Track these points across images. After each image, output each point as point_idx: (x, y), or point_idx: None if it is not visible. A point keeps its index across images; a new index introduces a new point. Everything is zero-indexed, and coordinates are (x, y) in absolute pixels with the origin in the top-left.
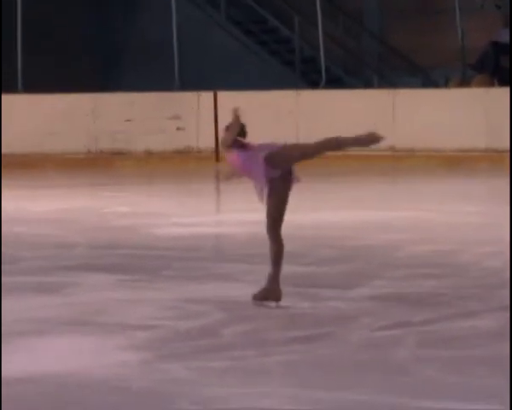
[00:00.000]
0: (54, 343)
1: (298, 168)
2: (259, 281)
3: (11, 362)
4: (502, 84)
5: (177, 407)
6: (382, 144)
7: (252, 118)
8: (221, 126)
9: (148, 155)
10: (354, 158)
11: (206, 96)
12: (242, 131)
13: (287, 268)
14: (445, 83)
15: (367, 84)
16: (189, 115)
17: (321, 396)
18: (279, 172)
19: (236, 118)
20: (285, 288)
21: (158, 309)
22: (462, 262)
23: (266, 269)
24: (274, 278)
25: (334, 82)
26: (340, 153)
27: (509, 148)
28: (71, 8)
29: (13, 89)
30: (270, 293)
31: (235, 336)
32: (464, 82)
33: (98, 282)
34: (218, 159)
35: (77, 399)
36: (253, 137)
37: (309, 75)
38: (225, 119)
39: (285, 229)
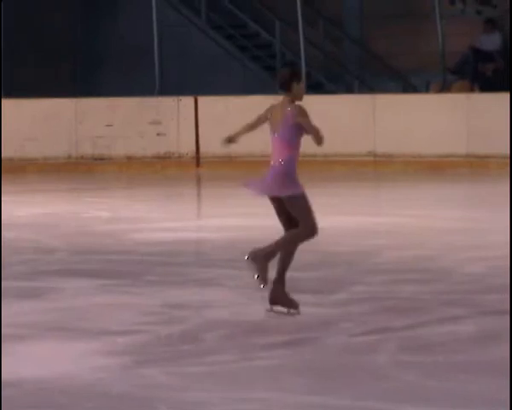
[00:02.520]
0: (35, 348)
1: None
2: (241, 286)
3: (12, 367)
4: (482, 89)
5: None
6: (363, 149)
7: (232, 123)
8: (201, 132)
9: (129, 160)
10: (335, 163)
11: (187, 102)
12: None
13: (269, 274)
14: (425, 88)
15: (348, 89)
16: (169, 121)
17: (302, 401)
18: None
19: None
20: (265, 292)
21: (139, 314)
22: (442, 267)
23: (245, 273)
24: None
25: (315, 87)
26: (321, 158)
27: (489, 153)
28: (52, 14)
29: None
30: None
31: (216, 341)
32: (445, 87)
33: (79, 287)
34: (198, 164)
35: (58, 403)
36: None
37: None
38: (205, 124)
39: (268, 235)
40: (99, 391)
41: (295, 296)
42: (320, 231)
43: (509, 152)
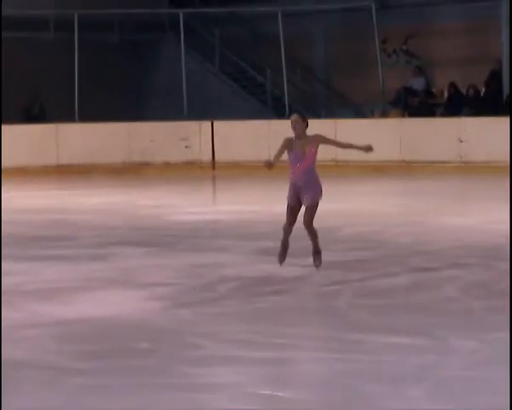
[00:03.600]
0: (101, 296)
1: None
2: (246, 252)
3: (71, 309)
4: (410, 115)
5: (186, 339)
6: (327, 157)
7: (237, 140)
8: (216, 145)
9: (166, 165)
10: None
11: (206, 124)
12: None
13: (264, 244)
14: (371, 114)
15: (317, 115)
16: (194, 137)
17: (285, 331)
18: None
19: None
20: (264, 257)
21: (173, 272)
22: (383, 239)
23: (251, 243)
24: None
25: None
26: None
27: (416, 160)
28: (113, 56)
29: (71, 119)
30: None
31: (227, 291)
32: (384, 114)
33: (132, 253)
34: (214, 168)
35: (116, 334)
36: (236, 154)
37: (277, 110)
38: (219, 139)
39: (260, 216)
40: (145, 325)
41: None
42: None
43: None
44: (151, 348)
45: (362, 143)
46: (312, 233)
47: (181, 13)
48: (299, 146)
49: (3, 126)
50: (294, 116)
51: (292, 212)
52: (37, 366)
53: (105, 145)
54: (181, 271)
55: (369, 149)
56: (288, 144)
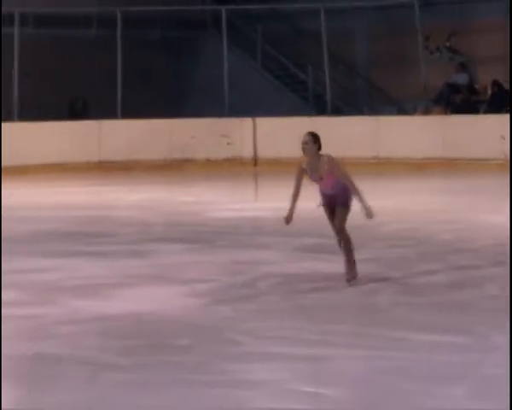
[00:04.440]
0: (141, 292)
1: None
2: (286, 249)
3: (111, 305)
4: (453, 113)
5: (225, 335)
6: (369, 154)
7: (278, 137)
8: (258, 142)
9: (207, 161)
10: (348, 164)
11: (247, 121)
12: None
13: (304, 241)
14: (413, 111)
15: (359, 112)
16: (235, 134)
17: (325, 328)
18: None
19: None
20: (304, 254)
21: (213, 268)
22: (424, 236)
23: (291, 240)
24: (350, 262)
25: (336, 111)
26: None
27: (458, 157)
28: (155, 53)
29: (113, 116)
30: (355, 273)
31: (267, 288)
32: (426, 111)
33: (171, 249)
34: (255, 164)
35: (156, 330)
36: (277, 150)
37: (319, 106)
38: (261, 136)
39: (301, 213)
40: (184, 322)
41: (323, 256)
42: None
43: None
44: (190, 345)
45: (404, 141)
46: (344, 240)
47: (223, 9)
48: (313, 170)
49: (47, 123)
50: (305, 137)
51: (329, 217)
52: (76, 361)
53: (147, 142)
54: (221, 267)
55: (369, 215)
56: (301, 173)
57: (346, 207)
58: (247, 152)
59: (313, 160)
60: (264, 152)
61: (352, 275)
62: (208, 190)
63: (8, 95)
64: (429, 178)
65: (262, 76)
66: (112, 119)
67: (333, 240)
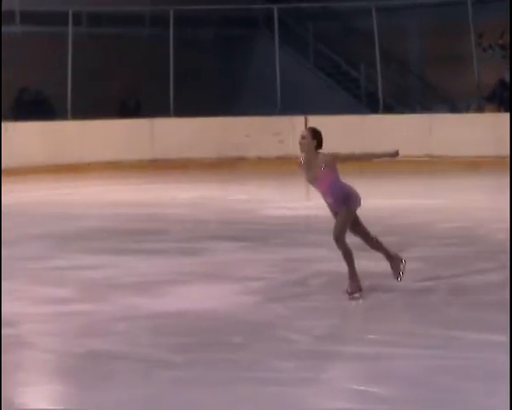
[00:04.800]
0: (194, 289)
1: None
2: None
3: (164, 303)
4: (506, 110)
5: (278, 333)
6: (422, 152)
7: (330, 135)
8: None
9: (260, 160)
10: (402, 162)
11: (299, 119)
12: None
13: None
14: (466, 109)
15: (411, 110)
16: (287, 132)
17: (377, 327)
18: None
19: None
20: (357, 252)
21: (266, 266)
22: (477, 235)
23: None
24: (350, 275)
25: (388, 109)
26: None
27: None
28: (207, 52)
29: (166, 114)
30: (355, 287)
31: (319, 286)
32: (479, 109)
33: (225, 247)
34: None
35: (209, 328)
36: (329, 149)
37: (371, 105)
38: None
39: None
40: (237, 319)
41: (377, 255)
42: (390, 209)
43: None
44: (244, 342)
45: (457, 139)
46: (342, 251)
47: (275, 8)
48: (308, 168)
49: (100, 122)
50: (304, 132)
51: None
52: (131, 358)
53: (199, 140)
54: (274, 265)
55: (395, 154)
56: (299, 170)
57: (345, 210)
58: (299, 150)
59: (309, 157)
60: None
61: (353, 289)
62: (260, 189)
63: (61, 93)
64: (482, 176)
65: (314, 74)
66: (164, 117)
67: (384, 238)
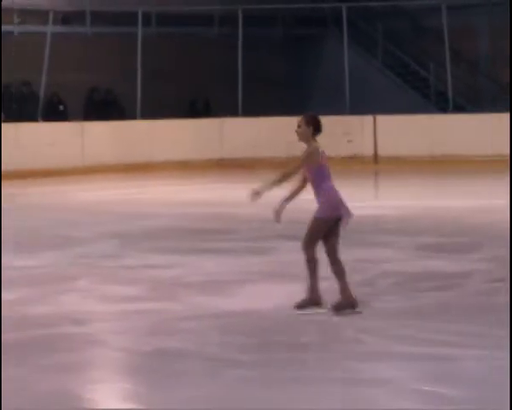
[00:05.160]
0: (261, 289)
1: None
2: (407, 248)
3: (232, 302)
4: None
5: (347, 334)
6: (491, 151)
7: (399, 134)
8: (378, 139)
9: (328, 159)
10: (472, 162)
11: (368, 119)
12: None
13: (426, 239)
14: None
15: (481, 110)
16: (356, 132)
17: (447, 327)
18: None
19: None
20: (425, 253)
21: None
22: None
23: (412, 239)
24: (310, 287)
25: (459, 109)
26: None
27: None
28: (276, 51)
29: (235, 114)
30: (345, 303)
31: (387, 286)
32: None
33: (292, 246)
34: (376, 162)
35: (277, 327)
36: (398, 148)
37: (440, 104)
38: (381, 133)
39: (423, 211)
40: (305, 319)
41: (443, 255)
42: (458, 209)
43: None
44: (311, 342)
45: None
46: (306, 259)
47: (344, 7)
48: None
49: (169, 121)
50: (299, 120)
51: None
52: (198, 357)
53: (267, 139)
54: None
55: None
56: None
57: (317, 218)
58: (368, 150)
59: (307, 146)
60: (385, 150)
61: (305, 301)
62: None
63: (131, 93)
64: None
65: (383, 74)
66: (233, 116)
67: (452, 239)
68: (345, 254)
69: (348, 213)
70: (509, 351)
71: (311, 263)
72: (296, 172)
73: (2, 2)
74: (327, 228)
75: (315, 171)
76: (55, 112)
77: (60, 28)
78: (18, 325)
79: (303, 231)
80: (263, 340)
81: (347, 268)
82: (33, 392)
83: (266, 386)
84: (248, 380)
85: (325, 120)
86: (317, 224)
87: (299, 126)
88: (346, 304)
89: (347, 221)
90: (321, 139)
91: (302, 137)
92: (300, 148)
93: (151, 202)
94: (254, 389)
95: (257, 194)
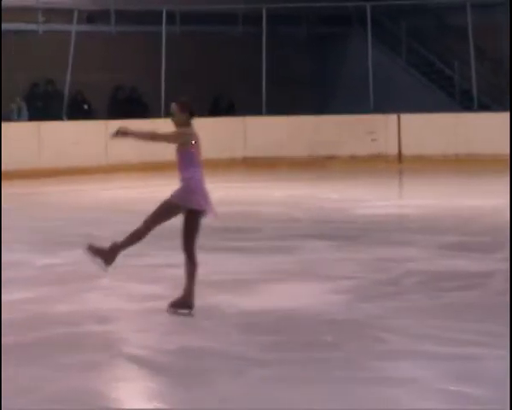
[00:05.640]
0: (285, 288)
1: None
2: (431, 247)
3: (256, 301)
4: None
5: (370, 333)
6: None
7: (423, 133)
8: (403, 140)
9: (352, 158)
10: (496, 161)
11: (392, 118)
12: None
13: (449, 238)
14: None
15: (506, 108)
16: (380, 131)
17: (470, 327)
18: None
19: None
20: (449, 252)
21: (357, 265)
22: None
23: (436, 238)
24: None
25: (483, 107)
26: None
27: None
28: (300, 50)
29: (259, 113)
30: (184, 303)
31: (411, 285)
32: None
33: (316, 246)
34: (400, 161)
35: (300, 326)
36: (422, 147)
37: (465, 103)
38: (406, 132)
39: (447, 210)
40: (329, 318)
41: (465, 254)
42: (480, 209)
43: None
44: (335, 342)
45: None
46: (187, 259)
47: (368, 5)
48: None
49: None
50: (171, 107)
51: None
52: (222, 355)
53: (291, 138)
54: (365, 264)
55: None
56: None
57: (190, 214)
58: (392, 149)
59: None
60: (409, 148)
61: (177, 303)
62: (352, 187)
63: (155, 91)
64: None
65: (407, 72)
66: (257, 115)
67: (476, 238)
68: (368, 253)
69: (210, 208)
70: (509, 351)
71: (195, 263)
72: (163, 140)
73: (27, 1)
74: (174, 215)
75: (182, 154)
76: (79, 110)
77: (84, 27)
78: (41, 323)
79: (327, 230)
80: (286, 339)
81: (371, 267)
82: (57, 390)
83: (290, 386)
84: (272, 379)
85: (349, 119)
86: (192, 221)
87: (172, 115)
88: (180, 303)
89: (209, 215)
90: (344, 138)
91: (178, 123)
92: (323, 147)
93: None
94: (278, 388)
95: (122, 133)
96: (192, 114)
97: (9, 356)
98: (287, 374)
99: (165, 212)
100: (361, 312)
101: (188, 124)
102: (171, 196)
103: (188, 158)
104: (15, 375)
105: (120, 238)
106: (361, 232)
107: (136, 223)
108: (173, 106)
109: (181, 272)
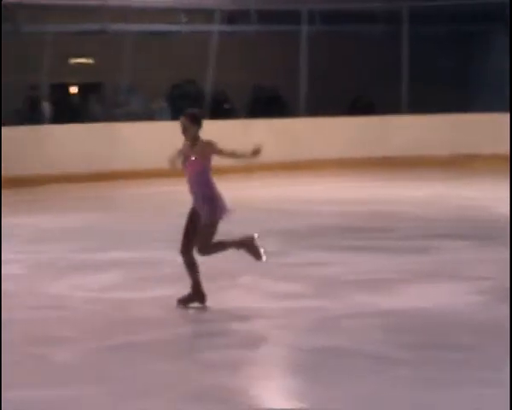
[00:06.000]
0: (423, 288)
1: None
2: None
3: (395, 300)
4: None
5: (507, 331)
6: None
7: None
8: None
9: (494, 157)
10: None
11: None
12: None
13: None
14: None
15: None
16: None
17: None
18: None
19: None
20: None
21: (496, 265)
22: None
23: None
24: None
25: None
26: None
27: None
28: (441, 48)
29: (399, 111)
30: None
31: None
32: None
33: (455, 245)
34: None
35: (439, 326)
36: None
37: None
38: None
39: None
40: (467, 319)
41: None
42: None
43: None
44: (473, 343)
45: None
46: (188, 265)
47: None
48: (186, 153)
49: (329, 119)
50: (181, 119)
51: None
52: (361, 355)
53: (432, 137)
54: (504, 265)
55: (255, 153)
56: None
57: (208, 224)
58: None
59: (192, 144)
60: None
61: (185, 299)
62: (494, 186)
63: (295, 91)
64: None
65: None
66: (397, 114)
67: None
68: (506, 254)
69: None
70: (509, 352)
71: (195, 265)
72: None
73: (168, 3)
74: (216, 230)
75: (205, 164)
76: (220, 110)
77: (225, 27)
78: (178, 321)
79: (466, 229)
80: (423, 340)
81: (507, 267)
82: (196, 387)
83: (428, 387)
84: (409, 380)
85: (491, 118)
86: (209, 231)
87: (184, 128)
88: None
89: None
90: (486, 138)
91: (191, 137)
92: (465, 146)
93: (313, 200)
94: (414, 388)
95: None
96: (201, 126)
97: (157, 352)
98: (425, 375)
99: (213, 233)
100: (499, 313)
101: (198, 136)
102: (208, 216)
103: (209, 169)
104: (164, 370)
105: (265, 238)
106: (501, 232)
107: (278, 221)
108: (183, 120)
109: (318, 271)
